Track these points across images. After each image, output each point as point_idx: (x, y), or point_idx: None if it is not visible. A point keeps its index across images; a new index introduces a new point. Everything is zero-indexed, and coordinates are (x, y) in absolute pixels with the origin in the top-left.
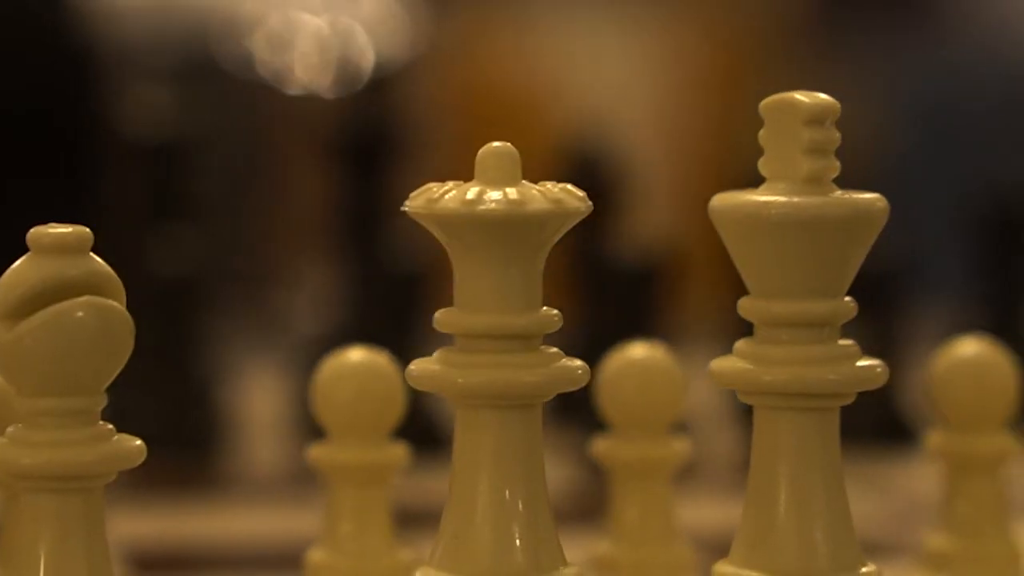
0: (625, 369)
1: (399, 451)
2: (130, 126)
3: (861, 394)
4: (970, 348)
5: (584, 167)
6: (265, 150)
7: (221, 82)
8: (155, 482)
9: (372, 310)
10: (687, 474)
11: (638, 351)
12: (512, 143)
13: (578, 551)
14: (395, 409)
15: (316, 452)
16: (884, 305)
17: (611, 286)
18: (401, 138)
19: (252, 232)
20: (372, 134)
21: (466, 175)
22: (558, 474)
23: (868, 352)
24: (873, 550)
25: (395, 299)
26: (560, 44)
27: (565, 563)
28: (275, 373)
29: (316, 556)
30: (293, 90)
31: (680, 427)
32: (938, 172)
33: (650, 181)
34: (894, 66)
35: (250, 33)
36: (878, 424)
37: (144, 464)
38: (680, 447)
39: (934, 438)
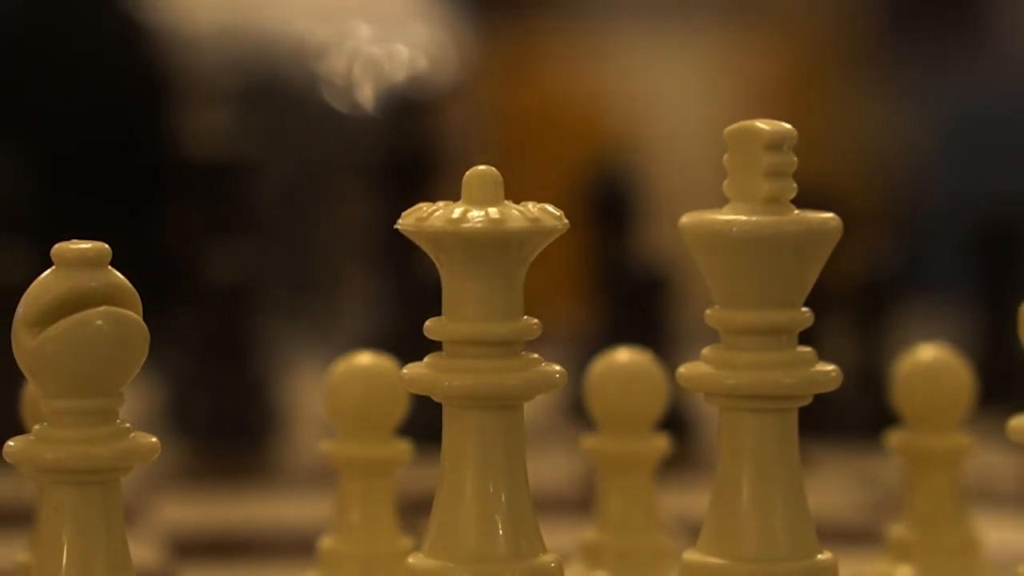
0: (610, 371)
1: (403, 447)
2: (194, 146)
3: (856, 392)
4: (928, 353)
5: (605, 184)
6: (319, 168)
7: (281, 105)
8: (211, 472)
9: (409, 316)
10: (691, 467)
11: (623, 355)
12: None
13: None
14: (399, 408)
15: (327, 447)
16: (887, 309)
17: (626, 294)
18: (444, 158)
19: (304, 244)
20: (417, 154)
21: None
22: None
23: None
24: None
25: (430, 306)
26: (612, 65)
27: (544, 551)
28: (324, 373)
29: (327, 543)
30: (348, 112)
31: (684, 424)
32: (965, 186)
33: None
34: (946, 83)
35: (311, 59)
36: (871, 419)
37: (202, 455)
38: (661, 443)
39: (895, 436)
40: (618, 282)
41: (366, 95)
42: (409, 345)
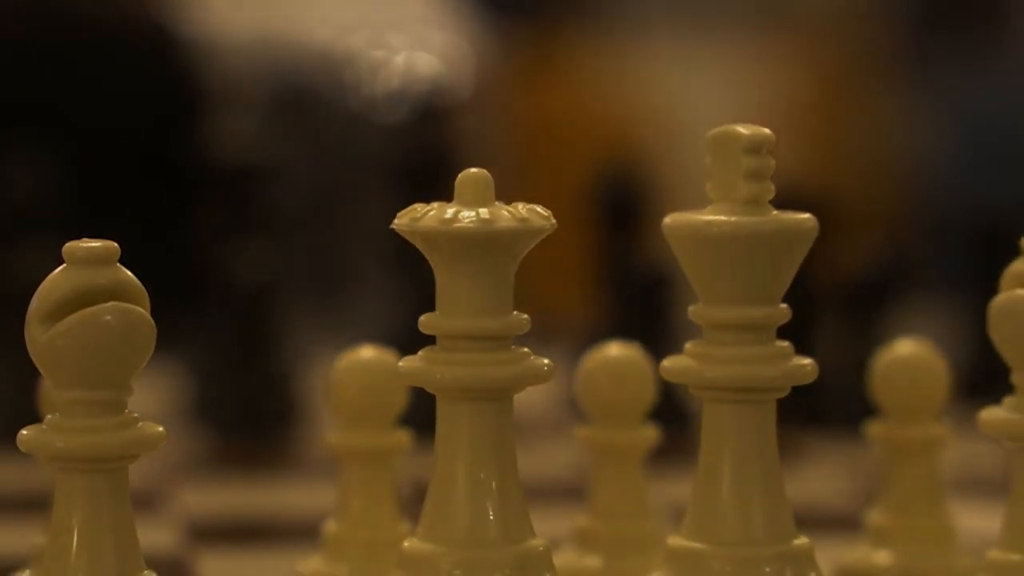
0: (601, 365)
1: (403, 436)
2: (223, 150)
3: (854, 385)
4: (906, 348)
5: (613, 185)
6: (343, 171)
7: (309, 110)
8: (234, 460)
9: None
10: (687, 456)
11: (613, 350)
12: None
13: None
14: (399, 400)
15: (331, 437)
16: (885, 307)
17: (632, 292)
18: (463, 162)
19: (327, 244)
20: (436, 158)
21: (521, 198)
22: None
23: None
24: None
25: None
26: (632, 72)
27: (533, 535)
28: None
29: (331, 528)
30: (371, 117)
31: (680, 414)
32: (977, 190)
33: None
34: (966, 90)
35: (338, 67)
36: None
37: (226, 444)
38: (650, 434)
39: (874, 427)
40: (625, 281)
41: (389, 101)
42: (424, 341)
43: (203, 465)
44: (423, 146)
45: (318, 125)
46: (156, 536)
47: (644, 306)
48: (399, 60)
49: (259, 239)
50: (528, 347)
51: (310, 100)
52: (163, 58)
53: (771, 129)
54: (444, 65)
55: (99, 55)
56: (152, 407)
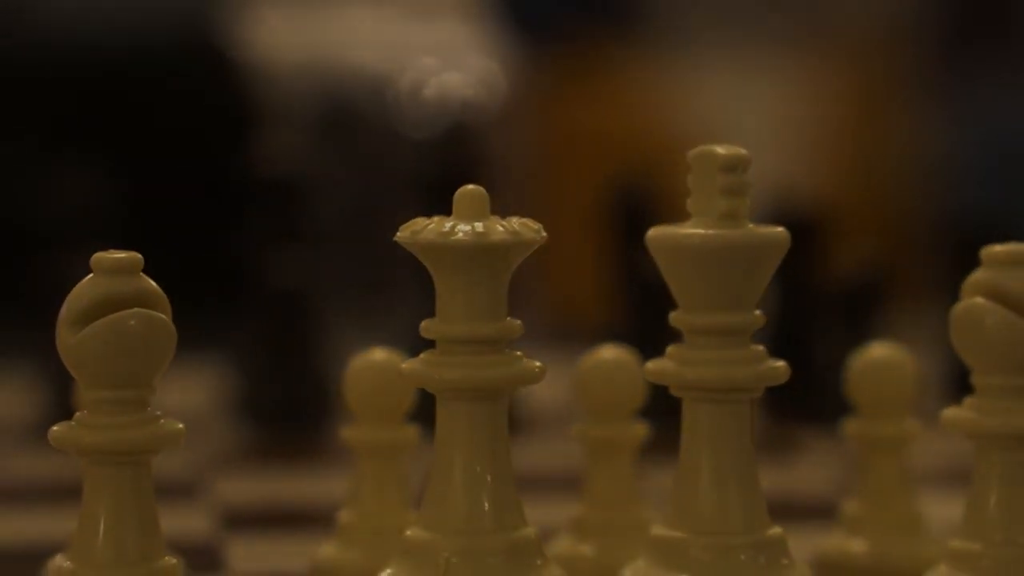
0: (595, 366)
1: (411, 432)
2: (270, 164)
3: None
4: (879, 350)
5: (626, 197)
6: (382, 184)
7: (351, 128)
8: (274, 453)
9: None
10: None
11: (607, 352)
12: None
13: None
14: (407, 398)
15: (345, 432)
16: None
17: (643, 298)
18: (493, 176)
19: (365, 251)
20: (468, 172)
21: (544, 209)
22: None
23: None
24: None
25: None
26: (663, 92)
27: (525, 524)
28: None
29: (344, 516)
30: (408, 134)
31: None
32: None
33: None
34: (1000, 107)
35: (378, 88)
36: None
37: (267, 438)
38: (640, 430)
39: (849, 424)
40: (637, 287)
41: (424, 119)
42: None
43: (243, 457)
44: (454, 161)
45: (359, 141)
46: (192, 523)
47: (656, 310)
48: (434, 81)
49: (302, 247)
50: (548, 346)
51: (352, 118)
52: (220, 78)
53: (796, 142)
54: (476, 86)
55: (163, 74)
56: (199, 403)
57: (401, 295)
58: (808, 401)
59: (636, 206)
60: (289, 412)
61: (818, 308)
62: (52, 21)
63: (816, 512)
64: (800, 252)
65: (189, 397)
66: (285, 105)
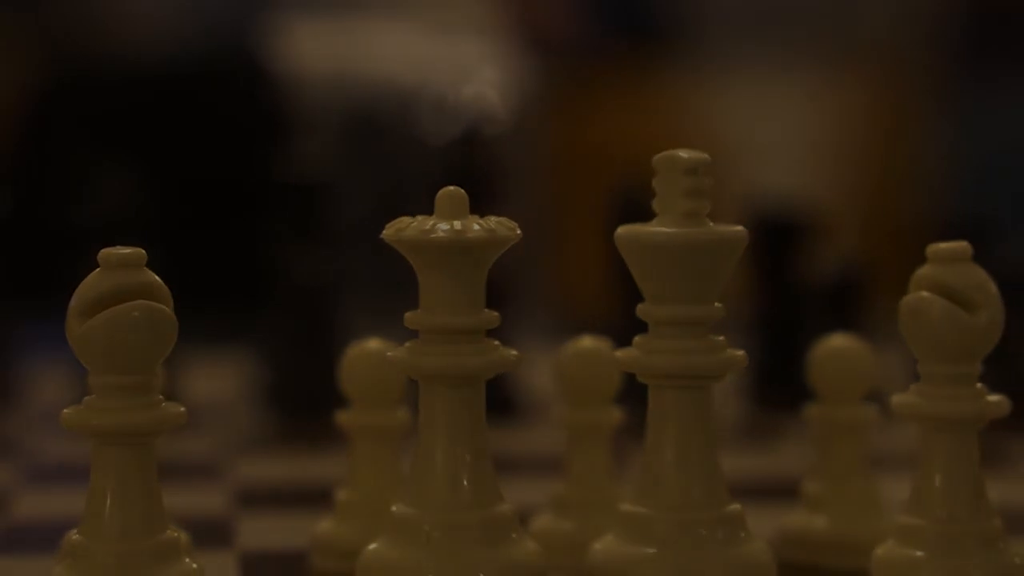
0: (574, 354)
1: (404, 416)
2: (295, 169)
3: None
4: (838, 341)
5: (625, 200)
6: (400, 189)
7: (373, 135)
8: (296, 438)
9: None
10: None
11: (586, 342)
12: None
13: None
14: (400, 385)
15: (342, 417)
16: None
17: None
18: (506, 182)
19: (383, 251)
20: (482, 179)
21: (558, 211)
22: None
23: None
24: None
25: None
26: (673, 104)
27: (502, 501)
28: None
29: (342, 495)
30: (427, 142)
31: None
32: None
33: None
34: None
35: (399, 98)
36: None
37: (290, 424)
38: (616, 414)
39: (811, 409)
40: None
41: (444, 128)
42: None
43: (267, 441)
44: (470, 167)
45: (381, 147)
46: (209, 500)
47: None
48: (453, 92)
49: (326, 247)
50: (554, 341)
51: (375, 126)
52: (253, 88)
53: (815, 153)
54: (493, 97)
55: (200, 85)
56: (228, 391)
57: (416, 293)
58: (793, 389)
59: (642, 213)
60: (311, 401)
61: (806, 304)
62: (102, 37)
63: (792, 492)
64: (800, 252)
65: (218, 385)
66: (313, 113)
